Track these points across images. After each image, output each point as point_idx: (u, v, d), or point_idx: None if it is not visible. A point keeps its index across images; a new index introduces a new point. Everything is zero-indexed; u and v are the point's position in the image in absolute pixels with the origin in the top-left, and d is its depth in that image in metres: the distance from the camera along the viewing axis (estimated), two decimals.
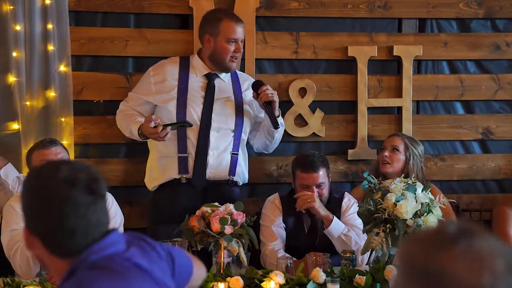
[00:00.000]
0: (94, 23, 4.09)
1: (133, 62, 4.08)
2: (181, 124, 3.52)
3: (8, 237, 3.18)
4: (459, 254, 1.15)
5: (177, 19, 4.18)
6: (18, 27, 3.78)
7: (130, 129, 3.61)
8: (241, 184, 3.80)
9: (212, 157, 3.61)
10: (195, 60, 3.71)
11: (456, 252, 1.15)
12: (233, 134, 3.68)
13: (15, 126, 3.81)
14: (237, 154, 3.69)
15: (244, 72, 4.13)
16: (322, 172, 3.55)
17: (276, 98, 3.62)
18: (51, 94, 3.85)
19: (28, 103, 3.81)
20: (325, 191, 3.57)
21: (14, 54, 3.78)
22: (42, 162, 2.16)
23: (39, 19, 3.81)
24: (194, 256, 1.94)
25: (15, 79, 3.79)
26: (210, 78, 3.69)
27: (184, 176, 3.61)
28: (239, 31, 3.64)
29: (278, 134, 3.81)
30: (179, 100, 3.61)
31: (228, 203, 3.13)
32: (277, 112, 3.65)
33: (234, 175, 3.68)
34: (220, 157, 3.63)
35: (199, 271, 1.95)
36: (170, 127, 3.46)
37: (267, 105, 3.61)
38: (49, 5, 3.82)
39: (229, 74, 3.76)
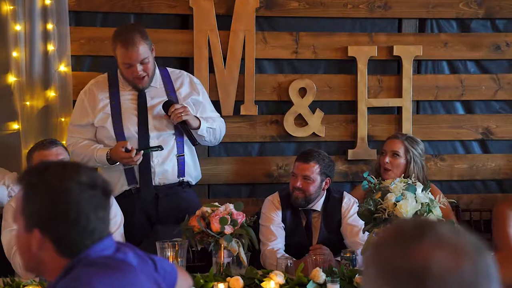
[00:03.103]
0: (94, 23, 4.09)
1: None
2: (154, 149, 3.52)
3: (8, 237, 3.17)
4: (432, 244, 1.16)
5: (177, 19, 4.18)
6: (18, 27, 3.78)
7: (94, 159, 3.55)
8: (194, 183, 3.77)
9: (157, 165, 3.58)
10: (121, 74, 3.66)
11: (428, 243, 1.16)
12: (174, 137, 3.63)
13: (15, 126, 3.82)
14: (183, 155, 3.65)
15: (244, 72, 4.13)
16: (312, 166, 3.53)
17: (186, 117, 3.52)
18: (51, 94, 3.86)
19: (28, 103, 3.82)
20: (311, 188, 3.54)
21: (14, 54, 3.79)
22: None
23: (39, 19, 3.82)
24: (180, 267, 1.97)
25: (15, 79, 3.80)
26: (139, 89, 3.62)
27: (134, 186, 3.60)
28: (130, 57, 3.48)
29: (211, 137, 3.71)
30: (113, 116, 3.58)
31: (228, 204, 3.12)
32: (195, 123, 3.58)
33: (184, 176, 3.66)
34: (165, 162, 3.60)
35: (184, 279, 1.98)
36: (143, 151, 3.47)
37: (181, 124, 3.56)
38: (49, 5, 3.83)
39: (159, 76, 3.69)
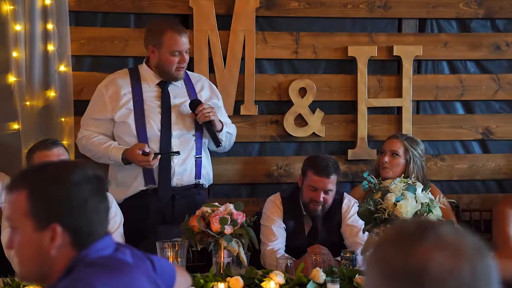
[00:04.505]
0: (94, 23, 4.09)
1: (133, 62, 4.07)
2: (171, 153, 3.53)
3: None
4: (432, 245, 1.16)
5: (177, 19, 4.18)
6: (18, 27, 3.78)
7: (108, 156, 3.53)
8: (207, 186, 3.78)
9: (177, 165, 3.58)
10: (145, 70, 3.65)
11: (428, 244, 1.16)
12: (194, 138, 3.64)
13: (15, 126, 3.82)
14: (201, 157, 3.66)
15: (244, 72, 4.14)
16: (333, 179, 3.53)
17: (213, 117, 3.55)
18: (51, 94, 3.86)
19: (28, 103, 3.82)
20: (330, 198, 3.55)
21: (14, 54, 3.78)
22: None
23: (39, 19, 3.81)
24: (179, 266, 1.97)
25: (15, 79, 3.80)
26: (163, 86, 3.63)
27: (150, 186, 3.59)
28: (183, 43, 3.56)
29: (227, 142, 3.74)
30: (136, 112, 3.57)
31: (228, 204, 3.12)
32: (219, 126, 3.61)
33: (200, 178, 3.66)
34: (184, 163, 3.60)
35: (183, 278, 1.99)
36: (160, 155, 3.48)
37: (207, 124, 3.57)
38: (49, 5, 3.83)
39: None
